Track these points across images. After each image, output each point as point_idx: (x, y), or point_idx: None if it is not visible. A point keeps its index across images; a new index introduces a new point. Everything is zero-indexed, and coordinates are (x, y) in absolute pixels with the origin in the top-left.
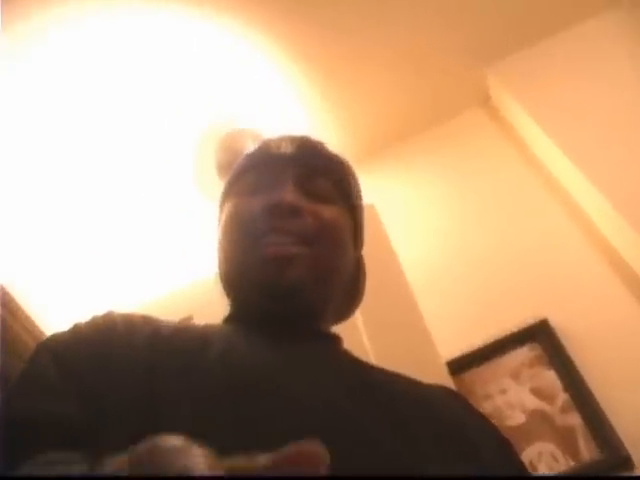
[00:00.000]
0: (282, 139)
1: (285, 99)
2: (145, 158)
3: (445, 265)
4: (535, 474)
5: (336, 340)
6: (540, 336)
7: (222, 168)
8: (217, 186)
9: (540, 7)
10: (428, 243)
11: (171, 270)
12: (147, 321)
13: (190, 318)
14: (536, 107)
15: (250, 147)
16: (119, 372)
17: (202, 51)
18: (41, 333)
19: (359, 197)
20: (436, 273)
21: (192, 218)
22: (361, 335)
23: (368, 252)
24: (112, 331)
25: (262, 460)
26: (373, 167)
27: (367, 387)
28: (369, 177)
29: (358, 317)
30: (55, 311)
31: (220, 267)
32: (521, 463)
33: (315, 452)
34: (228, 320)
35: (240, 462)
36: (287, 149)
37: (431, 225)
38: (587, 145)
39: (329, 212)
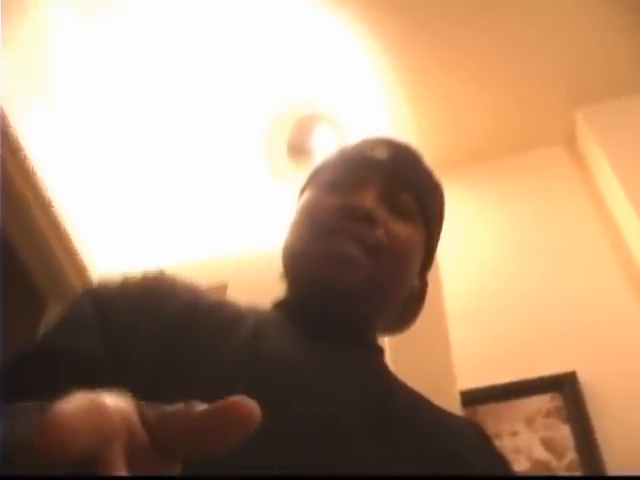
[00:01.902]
0: (380, 142)
1: (368, 92)
2: (219, 134)
3: (486, 296)
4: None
5: (376, 351)
6: (564, 388)
7: (293, 149)
8: (287, 167)
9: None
10: (474, 271)
11: (221, 236)
12: (189, 289)
13: (225, 286)
14: (619, 159)
15: (326, 135)
16: (147, 336)
17: (291, 31)
18: (40, 187)
19: (440, 222)
20: (475, 302)
21: (255, 192)
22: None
23: None
24: (156, 296)
25: (197, 407)
26: (443, 182)
27: (386, 406)
28: None
29: None
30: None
31: (285, 249)
32: None
33: (248, 405)
34: (277, 305)
35: (175, 409)
36: (382, 154)
37: (481, 254)
38: None
39: (404, 231)
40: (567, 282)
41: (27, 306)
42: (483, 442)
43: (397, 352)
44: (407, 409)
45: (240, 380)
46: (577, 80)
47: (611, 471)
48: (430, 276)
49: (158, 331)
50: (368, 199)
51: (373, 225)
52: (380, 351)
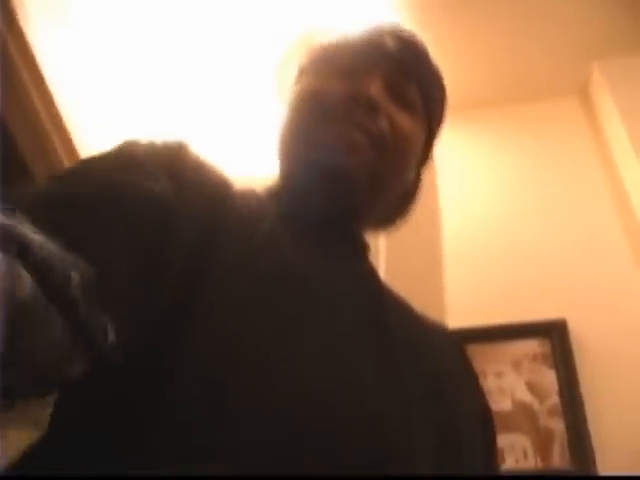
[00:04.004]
0: (388, 30)
1: (381, 20)
2: (232, 62)
3: (483, 239)
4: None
5: (365, 248)
6: (554, 335)
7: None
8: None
9: None
10: (476, 211)
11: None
12: (216, 171)
13: None
14: (630, 113)
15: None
16: (196, 202)
17: None
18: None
19: (441, 119)
20: (471, 244)
21: (263, 121)
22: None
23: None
24: (195, 164)
25: None
26: (454, 123)
27: (382, 310)
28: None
29: (382, 242)
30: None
31: (282, 136)
32: (494, 434)
33: None
34: (273, 192)
35: None
36: (390, 44)
37: (485, 195)
38: None
39: (407, 123)
40: (565, 231)
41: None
42: (458, 352)
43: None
44: (400, 322)
45: (264, 286)
46: (593, 32)
47: (591, 418)
48: (430, 214)
49: (202, 201)
50: (374, 88)
51: (377, 115)
52: (368, 248)
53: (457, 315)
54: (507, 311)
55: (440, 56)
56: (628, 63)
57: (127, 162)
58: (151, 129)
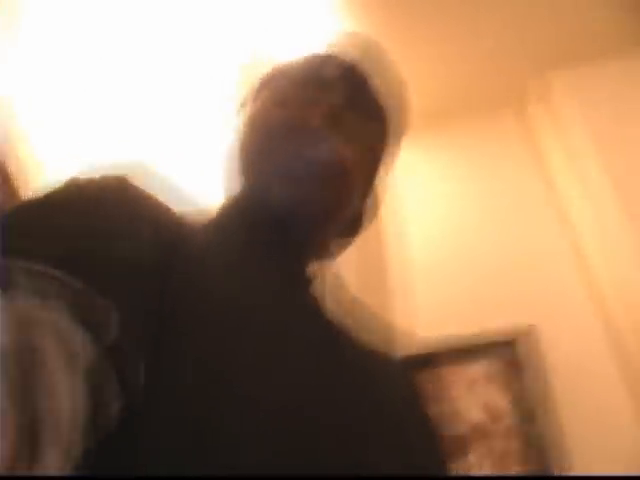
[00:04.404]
0: (331, 59)
1: (337, 37)
2: (191, 83)
3: (439, 255)
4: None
5: (312, 279)
6: (504, 354)
7: None
8: None
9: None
10: (432, 228)
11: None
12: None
13: None
14: (567, 126)
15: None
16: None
17: None
18: None
19: (384, 144)
20: (430, 262)
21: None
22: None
23: None
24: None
25: None
26: (409, 139)
27: (331, 339)
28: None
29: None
30: None
31: (228, 164)
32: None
33: None
34: (220, 224)
35: None
36: (331, 72)
37: (436, 209)
38: (600, 181)
39: (349, 150)
40: (513, 244)
41: None
42: (406, 379)
43: (336, 306)
44: (349, 350)
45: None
46: (533, 46)
47: (549, 434)
48: (377, 234)
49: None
50: (315, 118)
51: (318, 145)
52: (314, 279)
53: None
54: (460, 331)
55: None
56: (564, 76)
57: (94, 212)
58: (104, 152)
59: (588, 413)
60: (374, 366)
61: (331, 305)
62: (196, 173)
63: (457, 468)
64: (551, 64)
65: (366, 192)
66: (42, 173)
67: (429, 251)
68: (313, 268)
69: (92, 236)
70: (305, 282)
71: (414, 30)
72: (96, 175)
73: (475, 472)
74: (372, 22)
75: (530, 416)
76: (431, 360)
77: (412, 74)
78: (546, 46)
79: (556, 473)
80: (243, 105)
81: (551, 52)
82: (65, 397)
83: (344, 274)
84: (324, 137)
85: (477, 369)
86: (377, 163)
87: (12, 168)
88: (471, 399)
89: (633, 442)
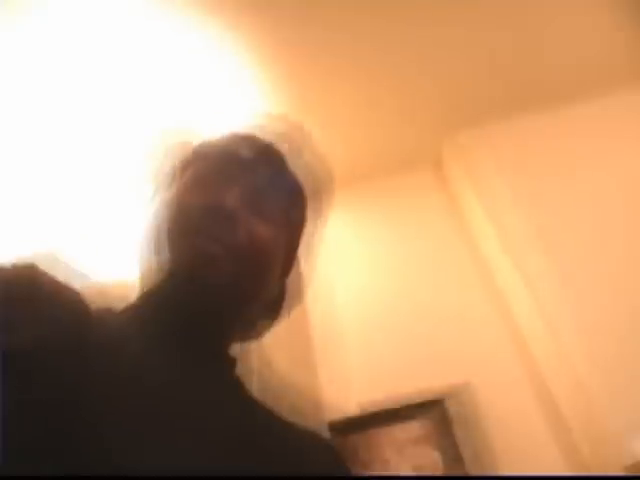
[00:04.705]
0: (246, 140)
1: (245, 113)
2: (100, 158)
3: (356, 318)
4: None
5: (232, 364)
6: (433, 414)
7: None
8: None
9: (503, 88)
10: (356, 289)
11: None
12: (73, 292)
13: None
14: (480, 184)
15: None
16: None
17: (171, 54)
18: None
19: (302, 225)
20: (348, 324)
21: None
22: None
23: None
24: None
25: None
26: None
27: (249, 425)
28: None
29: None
30: None
31: (145, 246)
32: None
33: None
34: (138, 307)
35: None
36: (246, 154)
37: (359, 275)
38: (519, 234)
39: (265, 231)
40: (437, 303)
41: None
42: (331, 457)
43: (264, 384)
44: (269, 432)
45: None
46: (445, 106)
47: None
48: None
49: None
50: (230, 199)
51: (234, 226)
52: (235, 361)
53: (337, 405)
54: (392, 392)
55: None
56: (475, 135)
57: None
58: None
59: (520, 465)
60: (292, 444)
61: (257, 384)
62: (106, 252)
63: None
64: (464, 122)
65: (286, 271)
66: None
67: (357, 315)
68: (238, 348)
69: None
70: (224, 363)
71: (331, 96)
72: (6, 264)
73: None
74: (286, 87)
75: (463, 473)
76: (362, 423)
77: (331, 139)
78: (459, 105)
79: None
80: (161, 187)
81: (464, 110)
82: None
83: (271, 349)
84: (240, 218)
85: (408, 429)
86: (297, 241)
87: None
88: (402, 461)
89: None
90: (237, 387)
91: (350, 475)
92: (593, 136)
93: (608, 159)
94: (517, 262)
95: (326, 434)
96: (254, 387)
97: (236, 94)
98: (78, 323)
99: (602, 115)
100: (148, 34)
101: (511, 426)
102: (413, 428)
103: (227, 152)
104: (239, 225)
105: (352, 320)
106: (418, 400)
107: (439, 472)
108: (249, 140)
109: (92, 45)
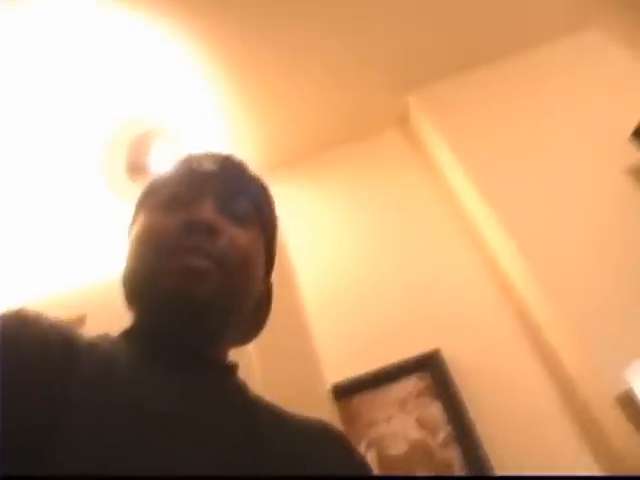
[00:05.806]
0: (204, 156)
1: (202, 102)
2: (55, 152)
3: (344, 286)
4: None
5: (230, 370)
6: (431, 367)
7: (132, 168)
8: (126, 185)
9: (464, 39)
10: (329, 262)
11: (71, 267)
12: (59, 330)
13: (83, 317)
14: (451, 135)
15: (164, 152)
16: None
17: (120, 48)
18: None
19: (275, 224)
20: (335, 294)
21: (99, 216)
22: (249, 352)
23: None
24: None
25: None
26: (285, 177)
27: (252, 428)
28: (280, 187)
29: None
30: None
31: (128, 278)
32: None
33: None
34: (129, 334)
35: None
36: (209, 166)
37: (335, 244)
38: (496, 178)
39: (245, 236)
40: (419, 262)
41: None
42: (340, 447)
43: (262, 359)
44: (274, 433)
45: (126, 429)
46: (406, 64)
47: (483, 437)
48: (284, 277)
49: (41, 378)
50: (207, 211)
51: (216, 236)
52: (234, 369)
53: (335, 370)
54: (382, 354)
55: (259, 119)
56: (440, 89)
57: None
58: None
59: (515, 402)
60: (297, 445)
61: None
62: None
63: None
64: (428, 77)
65: (269, 269)
66: None
67: (330, 288)
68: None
69: None
70: (222, 371)
71: (291, 67)
72: None
73: None
74: (243, 60)
75: (465, 425)
76: (364, 384)
77: (294, 112)
78: (421, 60)
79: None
80: (129, 228)
81: (427, 65)
82: None
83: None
84: (220, 228)
85: (408, 385)
86: (273, 239)
87: None
88: (405, 415)
89: (558, 440)
90: (238, 394)
91: (361, 464)
92: (555, 79)
93: (572, 100)
94: (493, 205)
95: (328, 399)
96: (256, 380)
97: (191, 75)
98: (62, 359)
99: (563, 57)
100: (99, 25)
101: (504, 371)
102: (413, 382)
103: (190, 170)
104: (220, 234)
105: (339, 289)
106: (414, 354)
107: (443, 424)
108: (207, 155)
109: (53, 41)
